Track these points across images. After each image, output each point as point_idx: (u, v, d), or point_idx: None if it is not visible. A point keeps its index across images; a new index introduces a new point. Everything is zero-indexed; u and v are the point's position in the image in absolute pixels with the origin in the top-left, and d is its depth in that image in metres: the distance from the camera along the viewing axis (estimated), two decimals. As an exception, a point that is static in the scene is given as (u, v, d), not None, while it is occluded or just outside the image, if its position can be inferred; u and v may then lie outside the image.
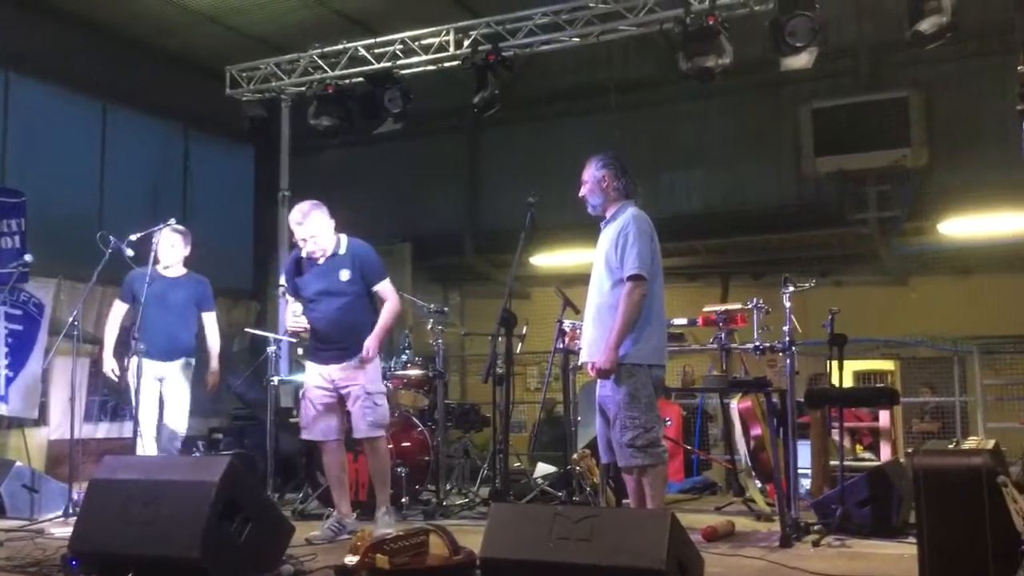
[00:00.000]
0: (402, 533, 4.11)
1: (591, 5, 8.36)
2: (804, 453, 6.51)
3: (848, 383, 7.35)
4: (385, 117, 9.18)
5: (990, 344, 10.13)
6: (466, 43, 8.82)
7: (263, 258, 12.22)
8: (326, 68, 9.47)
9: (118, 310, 6.62)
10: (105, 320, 6.83)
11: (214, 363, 6.70)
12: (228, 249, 11.64)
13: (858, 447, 8.55)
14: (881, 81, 10.32)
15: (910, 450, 7.48)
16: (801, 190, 10.96)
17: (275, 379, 7.19)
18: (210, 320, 6.74)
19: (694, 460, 8.68)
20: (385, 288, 5.55)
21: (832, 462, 6.50)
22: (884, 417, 7.54)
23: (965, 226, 10.35)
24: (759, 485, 6.38)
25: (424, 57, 9.09)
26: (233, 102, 9.96)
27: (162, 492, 4.05)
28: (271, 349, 7.20)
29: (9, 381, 8.44)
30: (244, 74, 9.91)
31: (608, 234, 4.81)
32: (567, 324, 5.85)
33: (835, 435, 6.54)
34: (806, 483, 6.76)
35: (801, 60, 7.55)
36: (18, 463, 6.86)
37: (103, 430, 9.96)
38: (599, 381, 4.73)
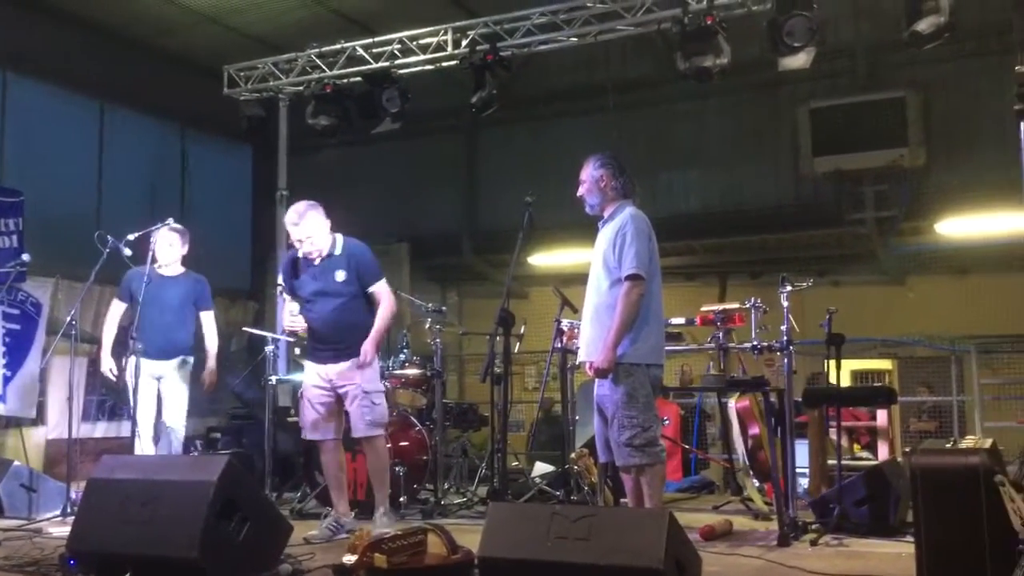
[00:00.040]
0: (400, 532, 4.11)
1: (589, 5, 8.36)
2: (802, 452, 6.51)
3: (846, 382, 7.38)
4: (383, 117, 9.17)
5: (987, 343, 10.15)
6: (464, 43, 8.82)
7: (261, 258, 12.22)
8: (324, 68, 9.47)
9: (116, 310, 6.62)
10: (103, 320, 6.83)
11: (211, 362, 6.70)
12: (226, 248, 11.65)
13: (856, 446, 8.55)
14: (879, 81, 10.33)
15: (907, 449, 7.47)
16: (799, 190, 10.96)
17: (273, 378, 7.18)
18: (208, 319, 6.74)
19: (692, 459, 8.69)
20: (380, 289, 5.53)
21: (830, 461, 6.49)
22: (882, 416, 7.55)
23: (962, 226, 10.36)
24: (757, 484, 6.38)
25: (422, 57, 9.08)
26: (231, 102, 9.96)
27: (160, 492, 4.04)
28: (269, 348, 7.19)
29: (7, 381, 8.44)
30: (242, 74, 9.91)
31: (606, 234, 4.81)
32: (565, 323, 5.85)
33: (833, 434, 6.54)
34: (804, 482, 6.76)
35: (799, 60, 7.56)
36: (16, 462, 6.85)
37: (101, 429, 9.95)
38: (597, 380, 4.73)
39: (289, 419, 8.22)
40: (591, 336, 4.78)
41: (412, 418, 6.96)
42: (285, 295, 5.84)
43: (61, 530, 5.34)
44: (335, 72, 9.38)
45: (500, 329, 5.12)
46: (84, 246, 6.55)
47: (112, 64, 10.60)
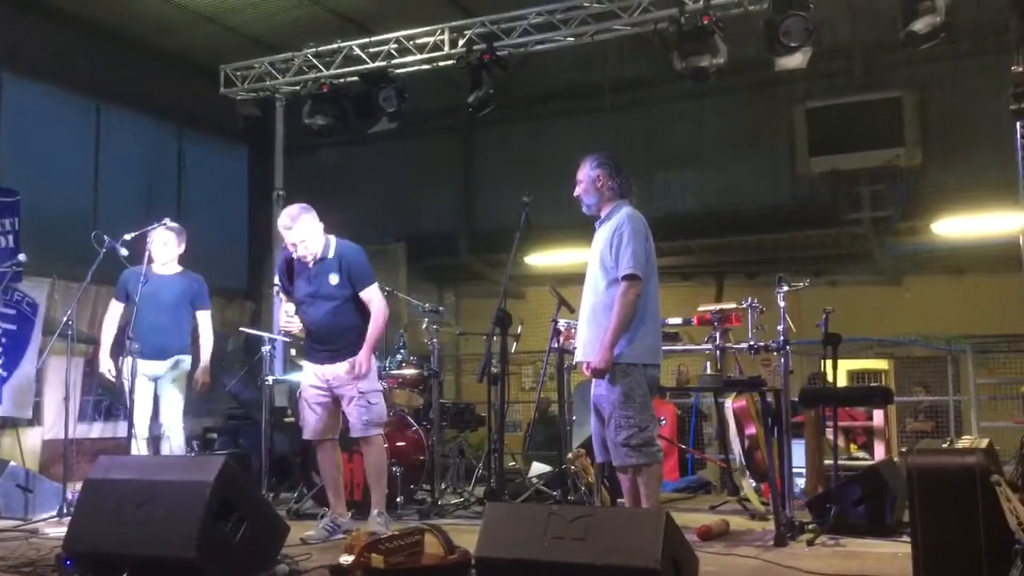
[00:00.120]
0: (397, 533, 4.11)
1: (585, 5, 8.36)
2: (798, 452, 6.52)
3: (842, 382, 7.38)
4: (380, 116, 9.16)
5: (984, 343, 10.16)
6: (461, 42, 8.82)
7: (258, 257, 12.21)
8: (321, 67, 9.46)
9: (114, 310, 6.59)
10: (99, 320, 6.81)
11: (205, 362, 6.65)
12: (223, 248, 11.63)
13: (852, 446, 8.57)
14: (875, 81, 10.34)
15: (904, 449, 7.47)
16: (795, 190, 10.97)
17: (270, 379, 7.19)
18: (204, 318, 6.71)
19: (689, 459, 8.69)
20: (371, 294, 5.47)
21: (826, 461, 6.51)
22: (878, 416, 7.56)
23: (959, 226, 10.37)
24: (754, 484, 6.39)
25: (419, 56, 9.08)
26: (227, 101, 9.95)
27: (157, 492, 4.04)
28: (266, 349, 7.19)
29: (2, 381, 8.44)
30: (238, 73, 9.89)
31: (603, 234, 4.81)
32: (562, 324, 5.85)
33: (829, 434, 6.56)
34: (800, 482, 6.77)
35: (795, 60, 7.56)
36: (12, 463, 6.84)
37: (97, 430, 9.93)
38: (594, 380, 4.74)
39: (286, 419, 8.24)
40: (588, 336, 4.78)
41: (409, 418, 6.96)
42: (281, 295, 5.83)
43: (57, 530, 5.33)
44: (332, 72, 9.37)
45: (497, 329, 5.12)
46: (80, 246, 6.53)
47: (108, 64, 10.59)
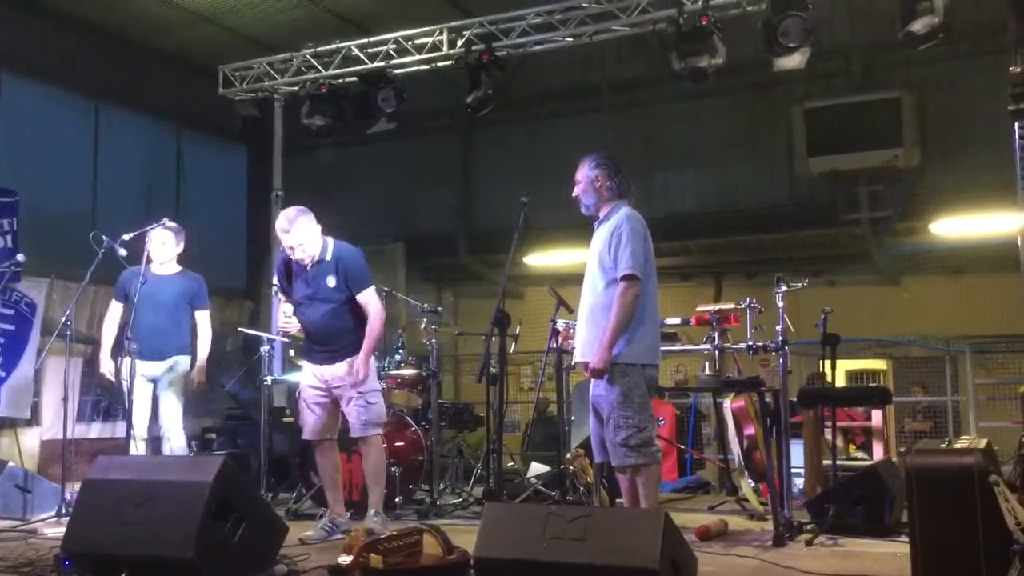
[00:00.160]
0: (396, 533, 4.12)
1: (584, 5, 8.37)
2: (797, 452, 6.52)
3: (841, 383, 7.39)
4: (378, 117, 9.16)
5: (982, 344, 10.17)
6: (459, 43, 8.81)
7: (257, 258, 12.20)
8: (319, 68, 9.46)
9: (114, 311, 6.57)
10: (99, 320, 6.81)
11: (202, 362, 6.62)
12: (222, 248, 11.64)
13: (851, 446, 8.57)
14: (873, 81, 10.34)
15: (902, 449, 7.49)
16: (794, 190, 10.97)
17: (268, 379, 7.18)
18: (203, 318, 6.69)
19: (687, 459, 8.68)
20: (367, 298, 5.44)
21: (825, 461, 6.51)
22: (876, 416, 7.56)
23: (957, 226, 10.38)
24: (752, 484, 6.39)
25: (417, 57, 9.08)
26: (226, 102, 9.94)
27: (156, 492, 4.04)
28: (264, 349, 7.19)
29: (1, 381, 8.43)
30: (237, 74, 9.89)
31: (601, 234, 4.82)
32: (560, 324, 5.85)
33: (828, 434, 6.56)
34: (799, 482, 6.77)
35: (794, 60, 7.56)
36: (11, 463, 6.84)
37: (96, 430, 9.93)
38: (593, 381, 4.74)
39: (285, 420, 8.23)
40: (587, 336, 4.79)
41: (408, 418, 6.96)
42: (280, 295, 5.83)
43: (56, 531, 5.33)
44: (330, 72, 9.37)
45: (496, 329, 5.12)
46: (79, 246, 6.52)
47: (107, 64, 10.59)
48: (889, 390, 7.99)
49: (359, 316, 5.45)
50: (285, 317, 5.67)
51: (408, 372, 7.16)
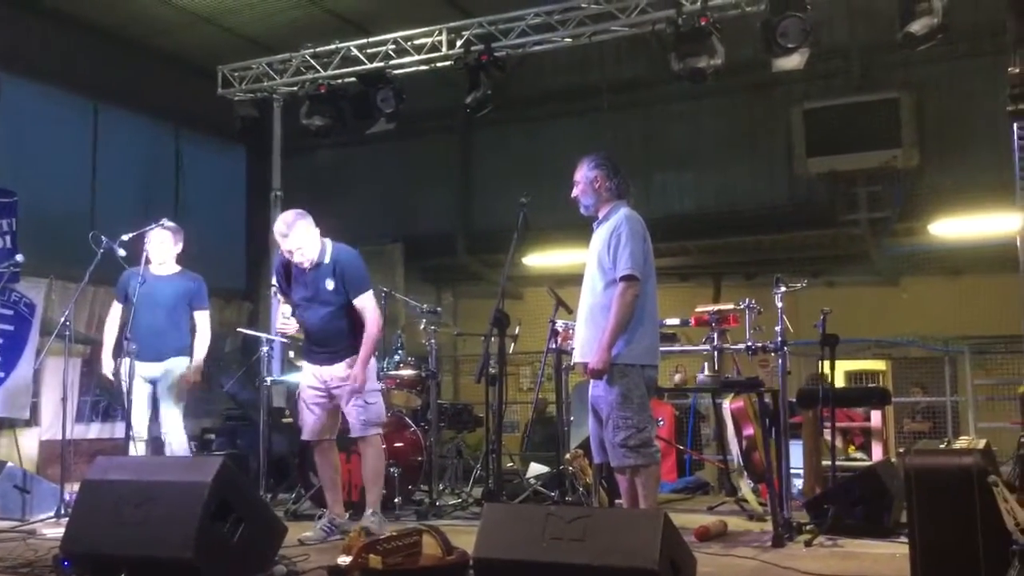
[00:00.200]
0: (395, 533, 4.11)
1: (583, 6, 8.37)
2: (796, 453, 6.52)
3: (840, 383, 7.39)
4: (377, 117, 9.16)
5: (981, 344, 10.18)
6: (459, 43, 8.82)
7: (256, 258, 12.20)
8: (318, 68, 9.46)
9: (115, 311, 6.56)
10: (98, 320, 6.81)
11: (197, 361, 6.59)
12: (221, 249, 11.63)
13: (850, 447, 8.57)
14: (872, 82, 10.34)
15: (901, 450, 7.50)
16: (792, 191, 10.97)
17: (268, 379, 7.18)
18: (202, 318, 6.68)
19: (687, 460, 8.69)
20: (364, 302, 5.42)
21: (824, 462, 6.51)
22: (876, 417, 7.56)
23: (956, 227, 10.38)
24: (751, 485, 6.39)
25: (417, 57, 9.08)
26: (225, 102, 9.94)
27: (155, 493, 4.04)
28: (264, 349, 7.19)
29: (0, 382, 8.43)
30: (236, 74, 9.89)
31: (601, 235, 4.82)
32: (560, 324, 5.85)
33: (827, 435, 6.56)
34: (798, 483, 6.78)
35: (793, 61, 7.56)
36: (9, 464, 6.84)
37: (95, 430, 9.93)
38: (592, 381, 4.74)
39: (284, 420, 8.23)
40: (586, 337, 4.78)
41: (407, 419, 6.96)
42: (279, 296, 5.82)
43: (55, 531, 5.33)
44: (329, 72, 9.37)
45: (495, 330, 5.12)
46: (78, 246, 6.52)
47: (106, 64, 10.59)
48: (888, 391, 8.00)
49: (358, 318, 5.44)
50: (284, 318, 5.65)
51: (407, 372, 7.17)
